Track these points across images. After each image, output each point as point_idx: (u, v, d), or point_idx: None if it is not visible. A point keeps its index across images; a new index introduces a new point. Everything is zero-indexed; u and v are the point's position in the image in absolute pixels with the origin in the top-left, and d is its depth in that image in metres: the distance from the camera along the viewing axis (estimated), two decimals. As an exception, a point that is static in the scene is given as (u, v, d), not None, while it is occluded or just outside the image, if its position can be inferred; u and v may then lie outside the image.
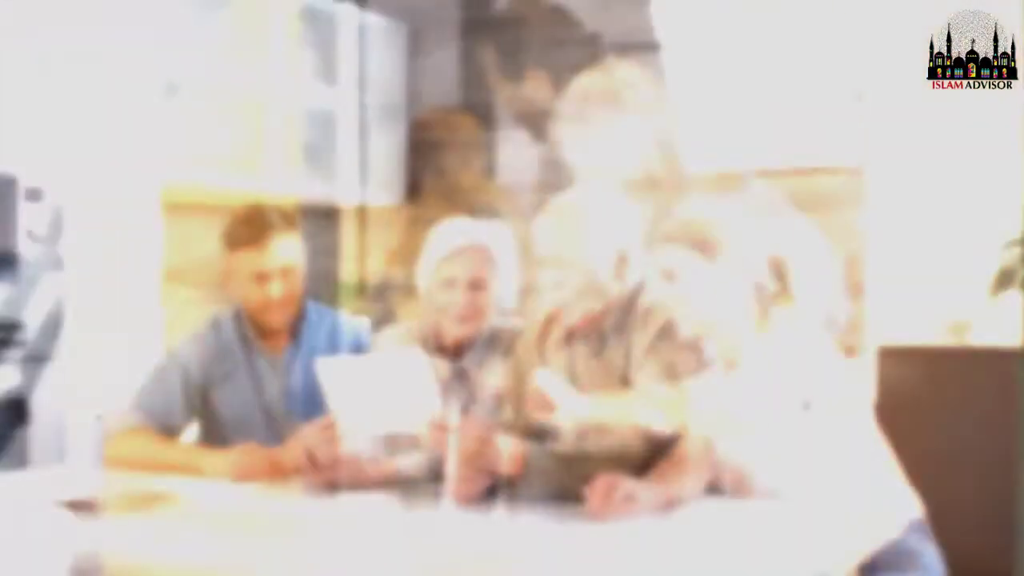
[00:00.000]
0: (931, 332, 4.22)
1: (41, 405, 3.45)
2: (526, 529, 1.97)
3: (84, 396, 3.56)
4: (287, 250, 2.68)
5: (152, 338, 3.81)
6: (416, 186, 5.52)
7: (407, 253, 5.48)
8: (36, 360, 3.46)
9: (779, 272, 2.23)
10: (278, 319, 2.71)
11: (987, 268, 3.82)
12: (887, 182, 4.47)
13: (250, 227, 2.66)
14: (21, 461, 3.39)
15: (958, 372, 2.80)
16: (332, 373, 2.16)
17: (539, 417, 1.98)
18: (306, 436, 2.20)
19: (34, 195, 3.44)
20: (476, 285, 2.56)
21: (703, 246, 2.21)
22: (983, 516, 2.48)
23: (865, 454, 2.14)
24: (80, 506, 2.06)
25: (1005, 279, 3.31)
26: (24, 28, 3.47)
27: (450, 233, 2.61)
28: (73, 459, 3.49)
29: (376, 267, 5.66)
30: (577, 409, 1.98)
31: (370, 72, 5.27)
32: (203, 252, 4.82)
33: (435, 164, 5.43)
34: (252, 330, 2.76)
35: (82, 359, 3.57)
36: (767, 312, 2.20)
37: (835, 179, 4.47)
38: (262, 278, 2.66)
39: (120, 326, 3.73)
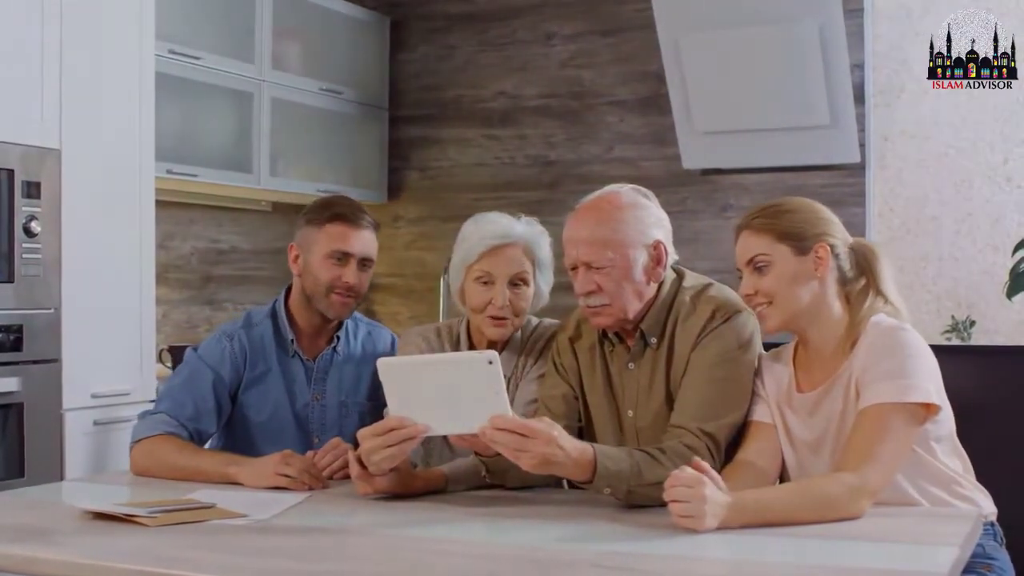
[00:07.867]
0: (935, 331, 4.25)
1: (39, 408, 3.34)
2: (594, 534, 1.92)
3: (83, 398, 3.46)
4: (371, 243, 2.65)
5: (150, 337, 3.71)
6: (399, 184, 5.44)
7: (389, 252, 5.40)
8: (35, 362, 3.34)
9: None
10: (336, 308, 2.62)
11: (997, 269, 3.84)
12: (892, 180, 4.49)
13: (349, 207, 2.63)
14: (19, 467, 3.27)
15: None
16: (394, 373, 2.06)
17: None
18: (362, 439, 2.10)
19: (32, 191, 3.32)
20: (516, 283, 2.48)
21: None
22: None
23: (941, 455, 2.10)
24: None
25: (1020, 281, 3.31)
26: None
27: (485, 229, 2.51)
28: (72, 465, 3.39)
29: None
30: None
31: (352, 67, 5.18)
32: (187, 249, 4.71)
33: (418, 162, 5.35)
34: (291, 331, 2.67)
35: (82, 360, 3.46)
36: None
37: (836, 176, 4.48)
38: (344, 257, 2.59)
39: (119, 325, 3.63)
